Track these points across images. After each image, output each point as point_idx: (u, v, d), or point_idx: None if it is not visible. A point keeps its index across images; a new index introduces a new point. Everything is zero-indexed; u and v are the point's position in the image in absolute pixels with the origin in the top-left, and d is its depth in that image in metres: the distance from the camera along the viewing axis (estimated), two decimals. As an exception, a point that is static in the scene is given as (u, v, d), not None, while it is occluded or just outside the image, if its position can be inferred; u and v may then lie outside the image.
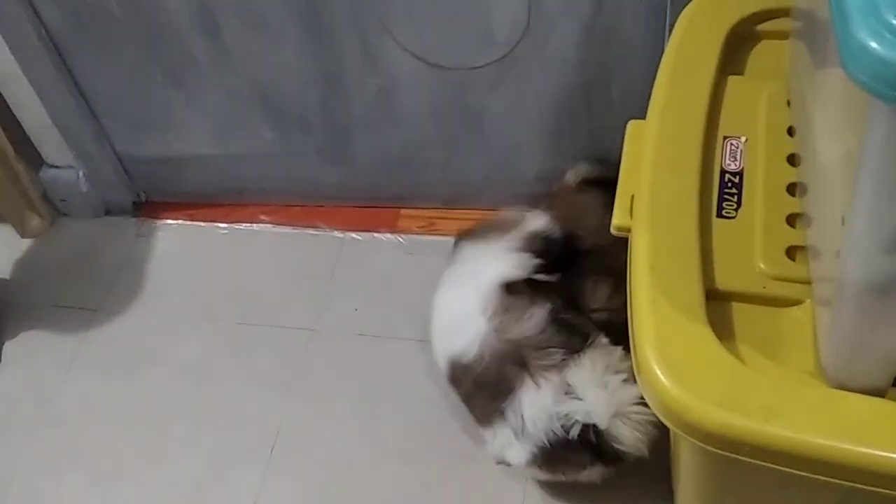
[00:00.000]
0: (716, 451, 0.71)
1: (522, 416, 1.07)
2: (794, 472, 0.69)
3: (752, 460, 0.70)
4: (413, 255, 1.52)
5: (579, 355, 1.06)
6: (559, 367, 1.06)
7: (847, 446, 0.66)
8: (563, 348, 1.08)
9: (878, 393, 0.69)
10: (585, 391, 1.04)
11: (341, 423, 1.33)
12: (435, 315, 1.25)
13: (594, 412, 1.03)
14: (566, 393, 1.05)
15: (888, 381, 0.69)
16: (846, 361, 0.70)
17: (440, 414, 1.30)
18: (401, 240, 1.56)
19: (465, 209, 1.56)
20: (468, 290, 1.18)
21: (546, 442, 1.05)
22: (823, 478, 0.68)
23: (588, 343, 1.08)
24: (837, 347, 0.70)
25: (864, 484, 0.66)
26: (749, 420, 0.69)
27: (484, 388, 1.12)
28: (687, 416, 0.71)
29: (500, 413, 1.09)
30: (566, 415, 1.04)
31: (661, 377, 0.73)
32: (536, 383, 1.07)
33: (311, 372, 1.40)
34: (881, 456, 0.65)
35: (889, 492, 0.66)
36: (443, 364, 1.19)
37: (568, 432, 1.04)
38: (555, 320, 1.10)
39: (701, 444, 0.72)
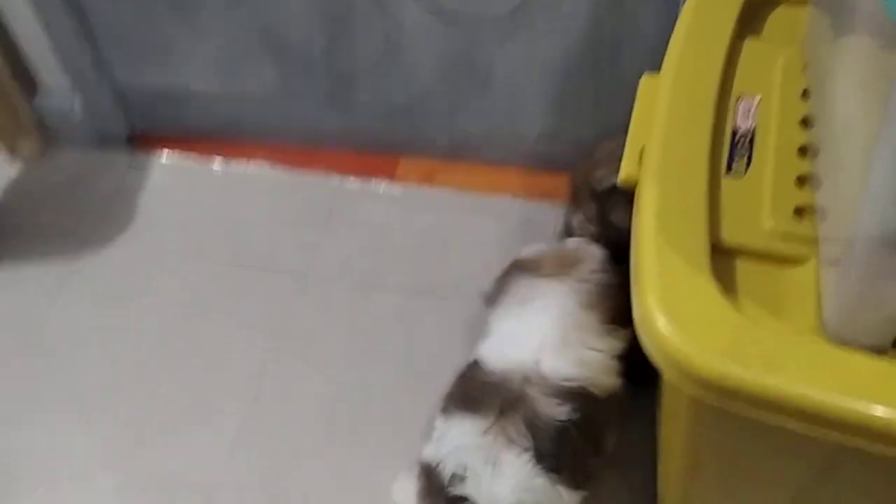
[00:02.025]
0: (711, 401, 0.72)
1: None
2: (788, 426, 0.70)
3: (747, 412, 0.71)
4: (409, 207, 1.52)
5: None
6: None
7: (843, 401, 0.66)
8: None
9: (879, 352, 0.69)
10: None
11: (327, 369, 1.32)
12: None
13: None
14: None
15: (889, 340, 0.69)
16: (849, 319, 0.70)
17: (427, 365, 1.30)
18: (398, 190, 1.55)
19: (465, 163, 1.55)
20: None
21: None
22: (816, 432, 0.68)
23: None
24: (842, 304, 0.71)
25: (858, 438, 0.67)
26: (748, 371, 0.69)
27: None
28: (686, 364, 0.71)
29: None
30: None
31: (663, 325, 0.73)
32: None
33: (299, 316, 1.39)
34: (876, 412, 0.65)
35: (880, 449, 0.67)
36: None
37: None
38: None
39: (697, 394, 0.72)
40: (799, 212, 0.81)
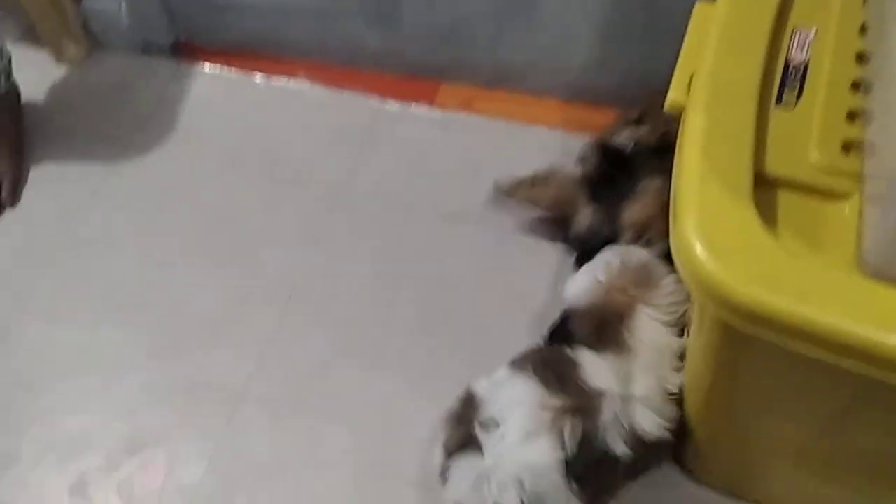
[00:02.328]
0: (744, 329, 0.72)
1: None
2: (820, 357, 0.70)
3: (779, 342, 0.71)
4: (448, 131, 1.51)
5: None
6: None
7: (877, 334, 0.66)
8: None
9: (917, 288, 0.69)
10: None
11: (357, 286, 1.34)
12: None
13: None
14: None
15: (928, 277, 0.69)
16: (889, 255, 0.70)
17: (456, 290, 1.31)
18: (437, 114, 1.54)
19: (506, 91, 1.54)
20: None
21: None
22: (847, 365, 0.68)
23: None
24: (882, 240, 0.70)
25: (889, 372, 0.67)
26: (782, 299, 0.69)
27: None
28: (721, 290, 0.71)
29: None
30: None
31: (699, 249, 0.73)
32: None
33: (331, 232, 1.40)
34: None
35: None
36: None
37: None
38: None
39: (730, 321, 0.72)
40: (847, 147, 0.80)
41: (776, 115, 0.83)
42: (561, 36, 1.42)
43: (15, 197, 1.47)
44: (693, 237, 0.74)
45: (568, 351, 1.01)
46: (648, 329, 1.01)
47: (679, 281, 0.99)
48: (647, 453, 0.98)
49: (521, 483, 0.93)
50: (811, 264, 0.73)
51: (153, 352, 1.28)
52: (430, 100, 1.55)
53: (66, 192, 1.48)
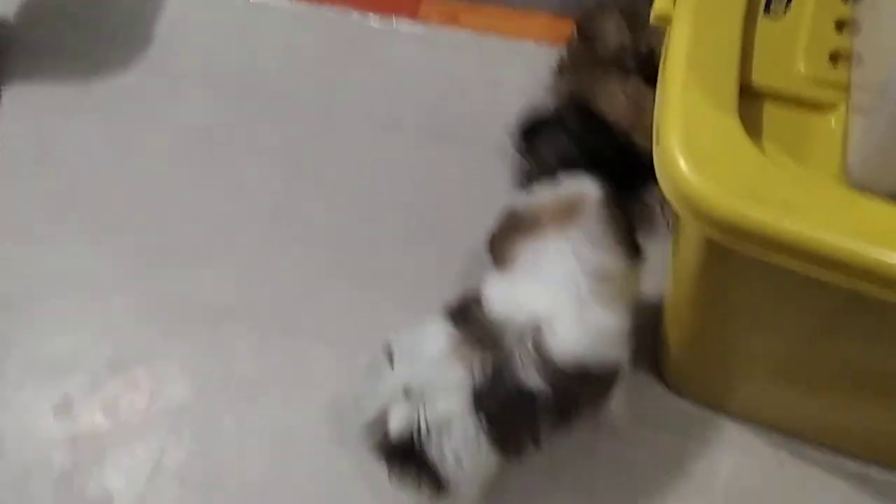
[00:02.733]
0: (728, 244, 0.71)
1: None
2: (803, 271, 0.69)
3: (762, 256, 0.70)
4: (431, 46, 1.48)
5: None
6: None
7: (861, 247, 0.66)
8: None
9: (899, 200, 0.69)
10: None
11: (340, 205, 1.32)
12: None
13: None
14: None
15: (913, 189, 0.68)
16: (873, 166, 0.69)
17: (442, 208, 1.30)
18: (420, 29, 1.51)
19: (491, 5, 1.50)
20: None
21: None
22: (830, 278, 0.68)
23: None
24: (867, 152, 0.69)
25: (873, 286, 0.66)
26: (766, 212, 0.68)
27: None
28: (704, 204, 0.70)
29: None
30: None
31: (682, 163, 0.72)
32: None
33: (314, 150, 1.38)
34: (892, 258, 0.65)
35: (890, 297, 0.67)
36: None
37: None
38: None
39: (713, 236, 0.72)
40: (834, 57, 0.78)
41: (764, 25, 0.81)
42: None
43: (-11, 117, 1.44)
44: (676, 150, 0.73)
45: (474, 290, 0.96)
46: (565, 252, 0.93)
47: (606, 210, 0.96)
48: (572, 389, 0.89)
49: (425, 403, 0.87)
50: (795, 177, 0.72)
51: (136, 271, 1.27)
52: (413, 14, 1.51)
53: (41, 112, 1.45)
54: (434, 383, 0.89)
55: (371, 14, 1.52)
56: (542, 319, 0.88)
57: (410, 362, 0.92)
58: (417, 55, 1.47)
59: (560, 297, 0.91)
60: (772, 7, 0.82)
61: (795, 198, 0.69)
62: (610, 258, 0.94)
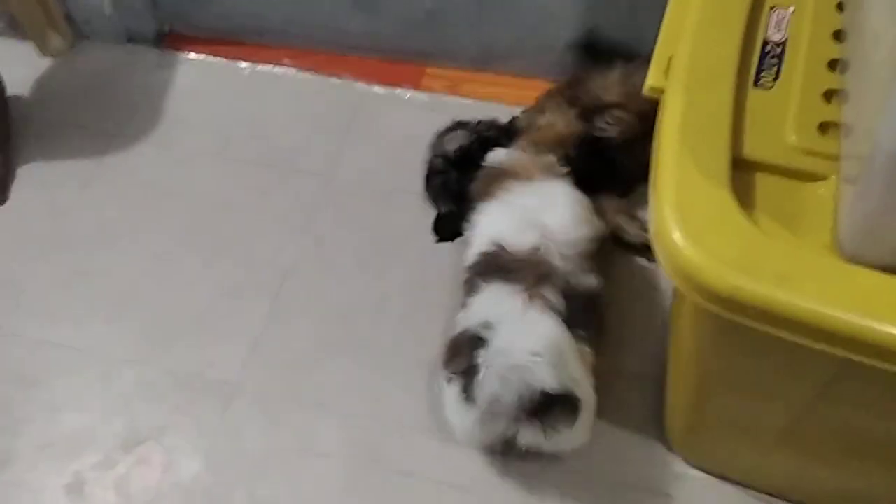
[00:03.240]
0: (722, 314, 0.72)
1: None
2: (797, 341, 0.70)
3: (757, 326, 0.71)
4: (434, 114, 1.50)
5: None
6: None
7: (855, 318, 0.66)
8: None
9: (891, 271, 0.69)
10: None
11: (346, 272, 1.34)
12: None
13: None
14: None
15: (904, 258, 0.69)
16: (865, 237, 0.70)
17: (441, 273, 1.31)
18: (423, 98, 1.54)
19: (492, 73, 1.53)
20: None
21: None
22: (823, 348, 0.69)
23: None
24: (858, 222, 0.70)
25: (866, 357, 0.67)
26: (760, 284, 0.69)
27: None
28: (699, 276, 0.71)
29: None
30: None
31: (677, 236, 0.73)
32: None
33: (321, 218, 1.40)
34: (887, 330, 0.65)
35: (887, 367, 0.67)
36: None
37: None
38: None
39: (708, 307, 0.73)
40: (823, 127, 0.79)
41: (754, 97, 0.83)
42: (543, 15, 1.41)
43: (4, 194, 1.47)
44: (670, 222, 0.74)
45: (491, 247, 1.12)
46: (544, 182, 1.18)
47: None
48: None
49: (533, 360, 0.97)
50: (788, 248, 0.73)
51: (147, 346, 1.28)
52: (416, 84, 1.55)
53: (56, 187, 1.48)
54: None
55: (375, 84, 1.55)
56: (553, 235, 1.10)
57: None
58: (421, 122, 1.49)
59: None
60: (761, 78, 0.83)
61: (788, 270, 0.70)
62: None
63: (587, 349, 1.03)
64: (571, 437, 1.02)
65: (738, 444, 0.99)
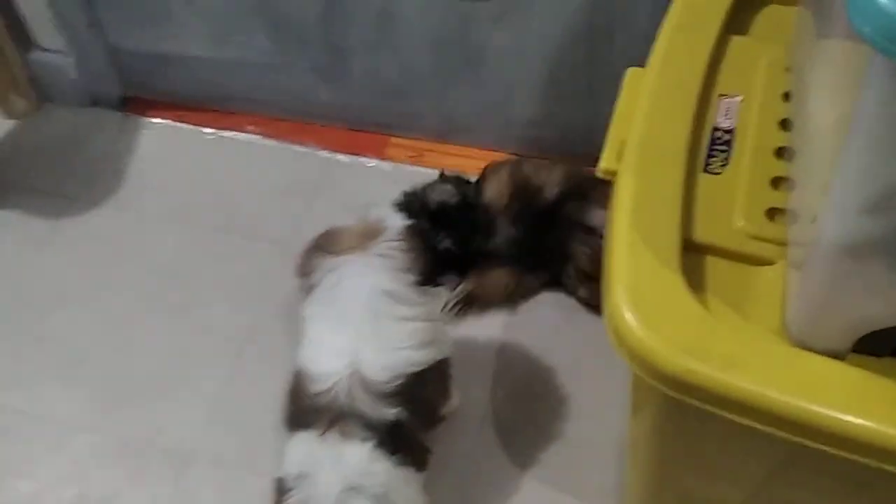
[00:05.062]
0: (674, 396, 0.73)
1: None
2: (747, 424, 0.71)
3: (708, 408, 0.72)
4: (398, 184, 1.52)
5: None
6: None
7: (801, 403, 0.67)
8: None
9: (838, 356, 0.71)
10: None
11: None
12: None
13: None
14: None
15: (848, 345, 0.70)
16: (811, 322, 0.71)
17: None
18: (387, 167, 1.55)
19: (455, 145, 1.56)
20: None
21: None
22: (774, 432, 0.70)
23: None
24: (804, 308, 0.72)
25: (813, 442, 0.68)
26: (710, 368, 0.70)
27: None
28: (650, 358, 0.72)
29: None
30: None
31: (629, 319, 0.74)
32: None
33: (281, 285, 1.39)
34: (833, 416, 0.67)
35: (835, 452, 0.68)
36: None
37: None
38: None
39: (660, 389, 0.74)
40: (771, 213, 0.82)
41: (704, 182, 0.85)
42: (506, 91, 1.45)
43: (-41, 255, 1.46)
44: (623, 306, 0.75)
45: (296, 372, 1.06)
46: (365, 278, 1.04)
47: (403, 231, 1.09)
48: (421, 388, 1.02)
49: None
50: (737, 332, 0.74)
51: (102, 410, 1.27)
52: (380, 153, 1.57)
53: (13, 249, 1.47)
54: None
55: (339, 153, 1.57)
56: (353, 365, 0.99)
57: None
58: (384, 191, 1.50)
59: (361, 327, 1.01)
60: (711, 164, 0.86)
61: (736, 353, 0.71)
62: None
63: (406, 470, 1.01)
64: None
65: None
